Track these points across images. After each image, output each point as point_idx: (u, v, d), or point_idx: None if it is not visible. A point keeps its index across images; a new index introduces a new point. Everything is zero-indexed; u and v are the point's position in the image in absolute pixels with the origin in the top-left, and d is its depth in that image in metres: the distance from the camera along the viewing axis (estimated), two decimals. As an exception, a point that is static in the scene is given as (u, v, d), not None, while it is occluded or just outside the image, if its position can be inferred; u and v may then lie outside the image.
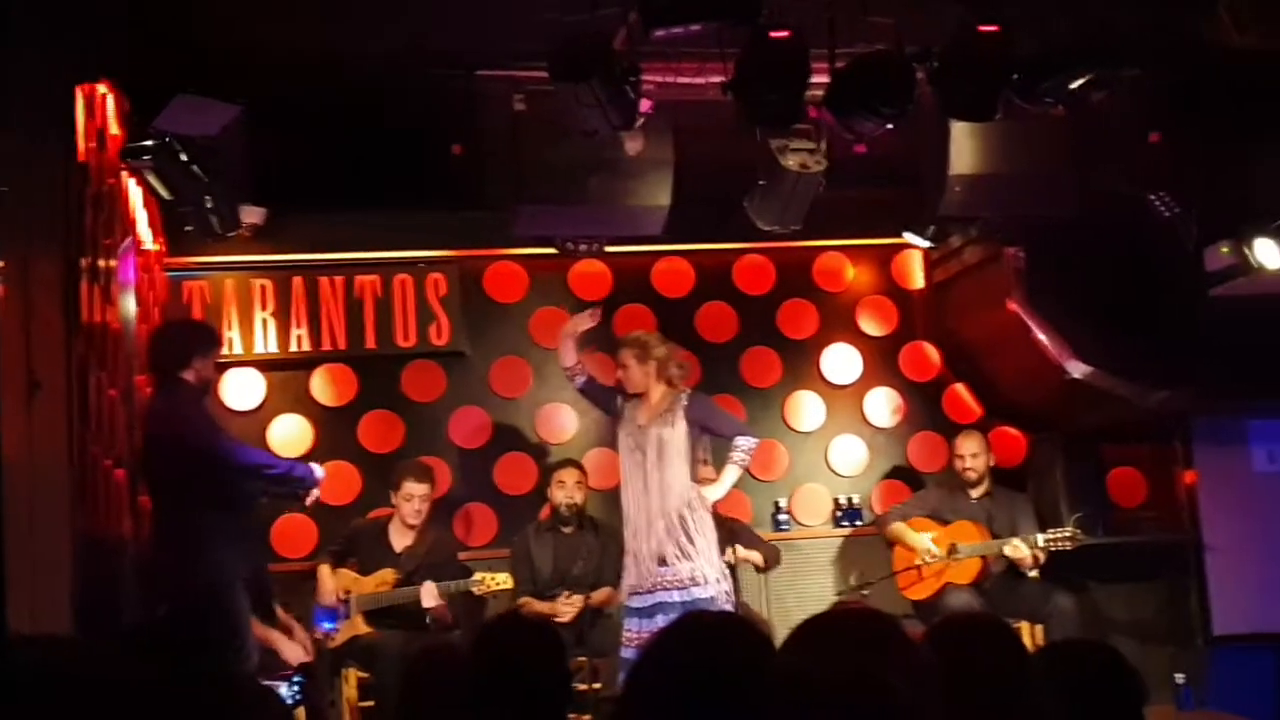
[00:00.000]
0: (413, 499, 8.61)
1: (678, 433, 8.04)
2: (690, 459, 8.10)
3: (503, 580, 8.55)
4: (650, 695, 2.68)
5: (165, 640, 3.77)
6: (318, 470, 7.56)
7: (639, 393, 8.22)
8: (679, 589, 7.88)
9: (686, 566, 7.89)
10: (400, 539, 8.68)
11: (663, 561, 7.91)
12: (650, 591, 7.93)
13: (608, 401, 8.47)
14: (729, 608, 7.96)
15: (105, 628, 5.65)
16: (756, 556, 9.00)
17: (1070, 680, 3.29)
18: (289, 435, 9.38)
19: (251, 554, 7.33)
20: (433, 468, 8.97)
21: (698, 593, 7.86)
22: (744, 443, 8.23)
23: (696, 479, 8.14)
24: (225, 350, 8.68)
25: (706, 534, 8.00)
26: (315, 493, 7.55)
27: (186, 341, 7.08)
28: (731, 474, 8.24)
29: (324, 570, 8.53)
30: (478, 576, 8.55)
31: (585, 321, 8.60)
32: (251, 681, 2.85)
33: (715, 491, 8.19)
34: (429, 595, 8.37)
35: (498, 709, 3.76)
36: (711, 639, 2.75)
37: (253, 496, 7.37)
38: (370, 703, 8.26)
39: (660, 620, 7.64)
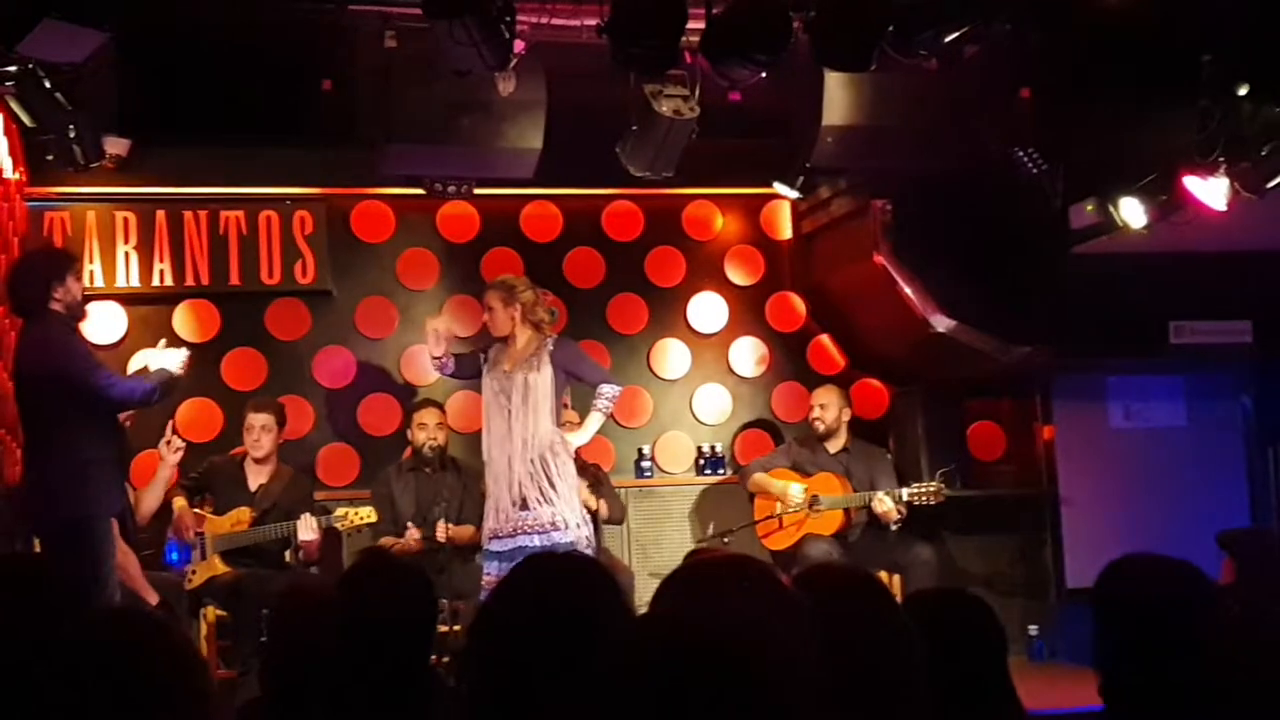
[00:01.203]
0: (253, 429, 8.59)
1: (543, 378, 8.04)
2: (554, 405, 8.10)
3: (366, 514, 8.52)
4: (496, 635, 2.67)
5: (29, 573, 3.69)
6: (177, 358, 7.35)
7: (504, 336, 8.20)
8: (540, 533, 7.90)
9: (547, 511, 7.90)
10: (255, 477, 8.63)
11: (524, 506, 7.92)
12: (511, 535, 7.93)
13: (474, 366, 8.44)
14: (590, 553, 7.99)
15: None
16: (602, 507, 8.97)
17: (935, 629, 3.31)
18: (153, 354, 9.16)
19: (122, 489, 7.23)
20: (281, 403, 8.92)
21: (558, 537, 7.88)
22: (608, 390, 8.27)
23: (560, 424, 8.16)
24: (86, 283, 8.51)
25: (568, 479, 8.02)
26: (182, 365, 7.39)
27: (42, 271, 6.91)
28: (595, 421, 8.29)
29: (180, 503, 8.43)
30: (340, 511, 8.51)
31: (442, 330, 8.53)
32: (147, 615, 2.83)
33: (579, 438, 8.25)
34: (306, 528, 8.31)
35: (362, 649, 3.74)
36: (555, 579, 2.75)
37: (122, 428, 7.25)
38: (227, 642, 8.17)
39: None
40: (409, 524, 8.67)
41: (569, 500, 7.98)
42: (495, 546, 8.00)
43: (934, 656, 3.06)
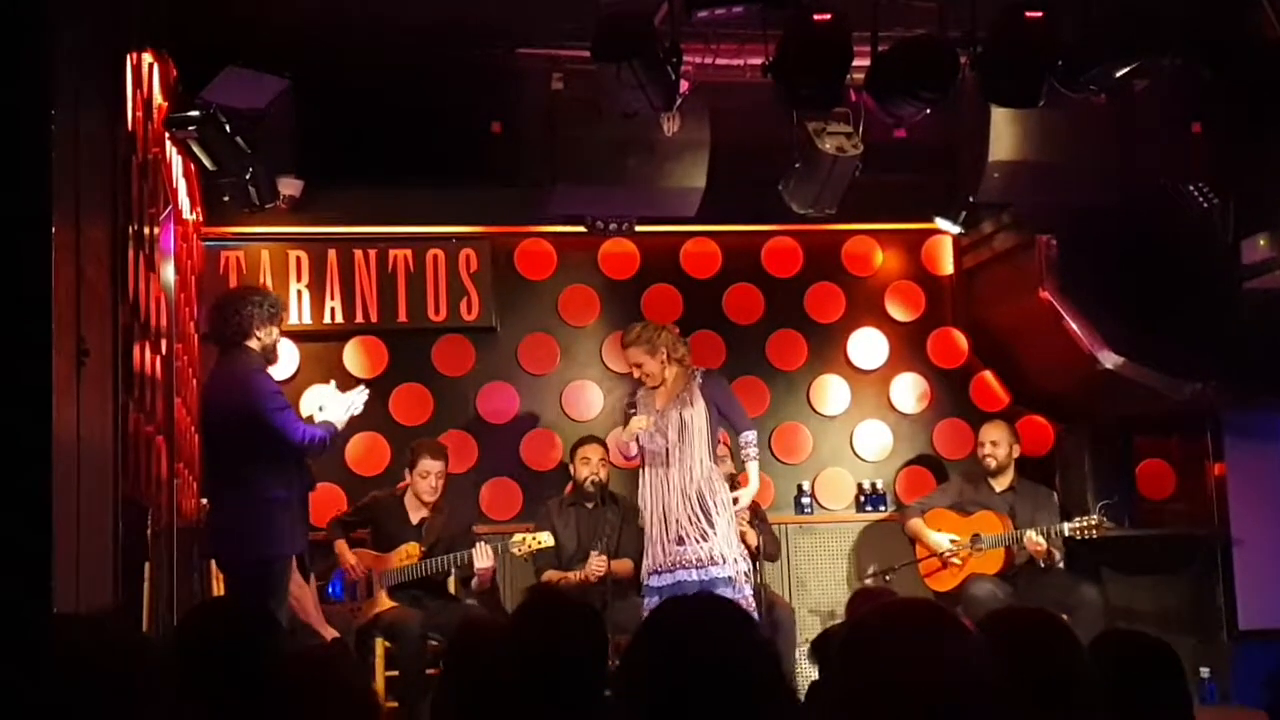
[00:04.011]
0: (429, 476, 8.67)
1: (698, 413, 8.10)
2: (711, 439, 8.13)
3: (543, 539, 8.64)
4: (637, 677, 2.70)
5: (225, 617, 3.79)
6: (344, 405, 7.44)
7: (658, 385, 8.26)
8: (698, 568, 7.93)
9: (705, 546, 7.94)
10: (416, 512, 8.74)
11: (681, 541, 7.95)
12: (670, 570, 7.97)
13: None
14: (748, 588, 8.02)
15: (144, 599, 5.69)
16: (752, 538, 8.87)
17: (1122, 674, 3.28)
18: (327, 395, 9.26)
19: (305, 528, 7.35)
20: (446, 445, 9.00)
21: (715, 572, 7.91)
22: (751, 437, 8.44)
23: (715, 460, 8.17)
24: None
25: (726, 514, 8.04)
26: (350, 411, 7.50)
27: (254, 308, 7.05)
28: (755, 469, 8.45)
29: (343, 545, 8.57)
30: (518, 538, 8.64)
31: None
32: (325, 656, 2.88)
33: (747, 494, 8.36)
34: (482, 555, 8.44)
35: (537, 683, 3.76)
36: (690, 622, 2.76)
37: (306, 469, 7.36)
38: (395, 672, 8.29)
39: None
40: (591, 553, 8.72)
41: (727, 536, 8.00)
42: (654, 582, 8.05)
43: (1120, 701, 3.04)
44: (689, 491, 8.00)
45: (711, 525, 7.97)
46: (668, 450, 8.11)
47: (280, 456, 6.89)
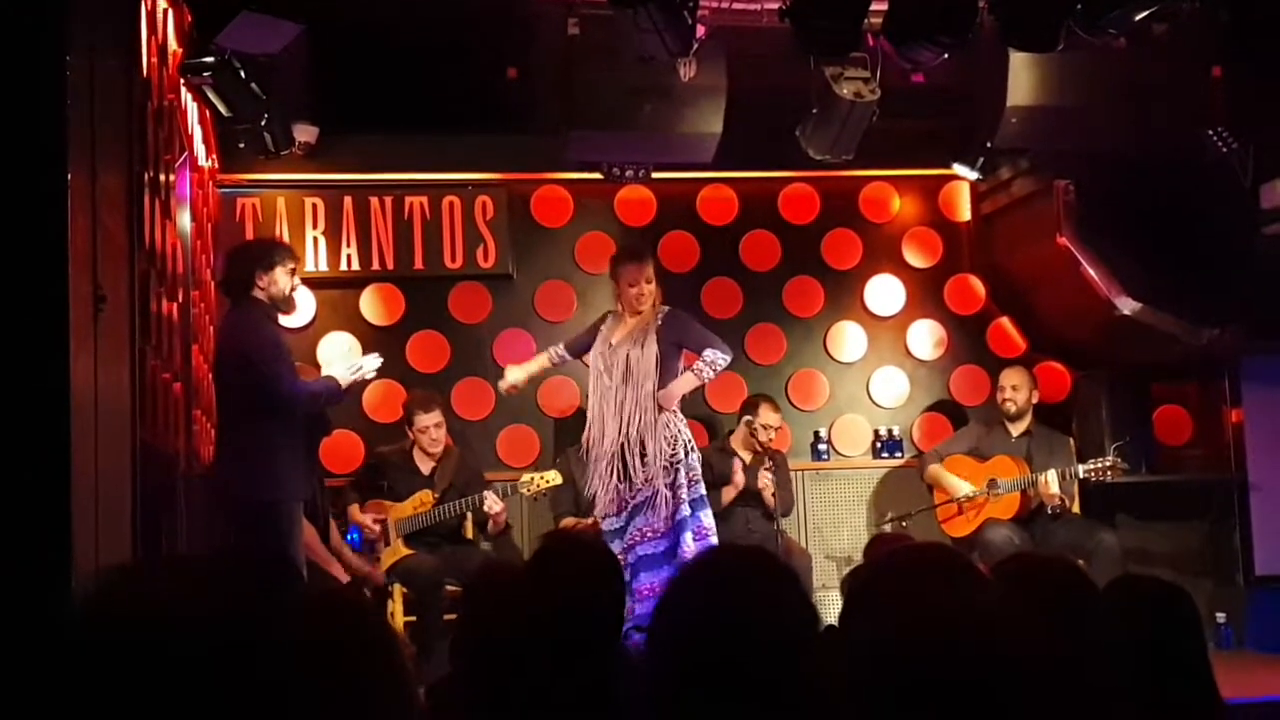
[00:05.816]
0: (428, 430, 8.73)
1: (646, 355, 7.94)
2: (658, 381, 7.97)
3: (551, 478, 8.70)
4: (673, 625, 2.70)
5: (236, 563, 3.79)
6: (350, 369, 7.42)
7: (640, 312, 8.16)
8: (635, 500, 7.87)
9: (640, 475, 7.85)
10: (425, 462, 8.81)
11: (624, 479, 7.88)
12: (618, 513, 7.93)
13: (588, 346, 8.43)
14: (692, 456, 7.98)
15: (161, 545, 5.72)
16: (771, 495, 8.81)
17: (1136, 617, 3.28)
18: (338, 353, 9.33)
19: (313, 473, 7.37)
20: (434, 394, 9.04)
21: (646, 493, 7.84)
22: (711, 355, 8.06)
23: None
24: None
25: (659, 438, 7.92)
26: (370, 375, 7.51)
27: (251, 258, 7.08)
28: (685, 381, 8.10)
29: (354, 510, 8.59)
30: (526, 478, 8.73)
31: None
32: (343, 598, 2.88)
33: (665, 394, 8.03)
34: (492, 501, 8.51)
35: (554, 627, 3.78)
36: (733, 573, 2.76)
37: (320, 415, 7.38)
38: (413, 618, 8.34)
39: (639, 522, 7.81)
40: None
41: (654, 461, 7.87)
42: (608, 525, 7.99)
43: (1136, 644, 3.04)
44: (630, 433, 7.92)
45: (643, 455, 7.88)
46: (614, 390, 8.03)
47: (277, 404, 6.90)
